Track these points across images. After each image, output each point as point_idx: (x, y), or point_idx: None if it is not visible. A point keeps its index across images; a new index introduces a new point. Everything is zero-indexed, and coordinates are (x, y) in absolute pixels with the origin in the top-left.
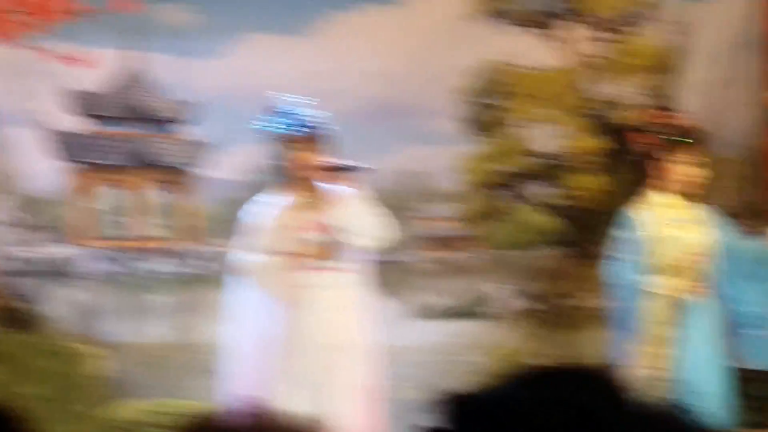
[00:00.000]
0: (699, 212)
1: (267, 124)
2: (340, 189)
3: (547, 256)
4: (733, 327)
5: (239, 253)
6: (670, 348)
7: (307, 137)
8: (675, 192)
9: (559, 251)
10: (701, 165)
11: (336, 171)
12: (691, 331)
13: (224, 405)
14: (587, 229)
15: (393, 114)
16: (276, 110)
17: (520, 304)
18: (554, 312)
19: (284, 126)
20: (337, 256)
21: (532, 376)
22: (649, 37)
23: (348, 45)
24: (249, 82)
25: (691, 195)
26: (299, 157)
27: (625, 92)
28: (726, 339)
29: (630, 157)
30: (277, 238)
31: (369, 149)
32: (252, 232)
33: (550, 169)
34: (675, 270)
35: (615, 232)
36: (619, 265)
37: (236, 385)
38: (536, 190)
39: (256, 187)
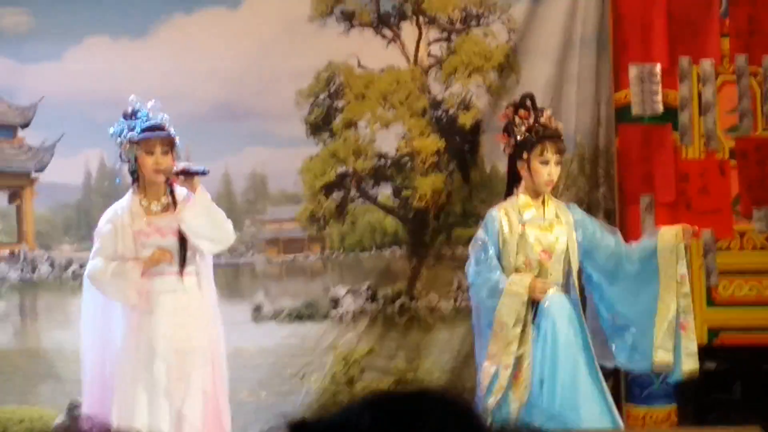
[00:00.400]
0: (559, 211)
1: (120, 128)
2: (186, 193)
3: (392, 256)
4: (599, 326)
5: (90, 259)
6: (525, 348)
7: (160, 141)
8: (536, 191)
9: (404, 252)
10: (559, 163)
11: (183, 174)
12: (548, 330)
13: (76, 416)
14: (433, 230)
15: (235, 116)
16: (129, 114)
17: (366, 305)
18: (399, 313)
19: (138, 130)
20: (184, 260)
21: (375, 401)
22: (490, 37)
23: (189, 47)
24: (90, 85)
25: (550, 193)
26: (153, 162)
27: (468, 92)
28: (590, 338)
29: (474, 156)
30: (127, 242)
31: (211, 152)
32: (103, 237)
33: (393, 170)
34: (530, 269)
35: (477, 233)
36: (478, 265)
37: (87, 395)
38: (380, 191)
39: (101, 192)
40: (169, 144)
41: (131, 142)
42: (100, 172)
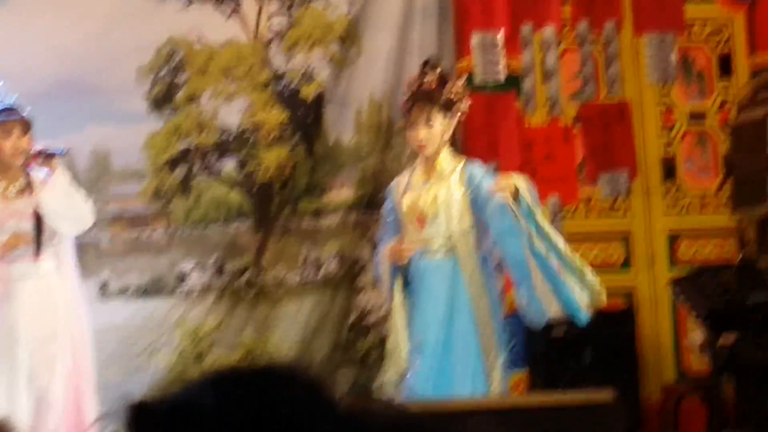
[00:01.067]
0: (449, 172)
1: None
2: (42, 174)
3: (238, 231)
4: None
5: None
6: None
7: (11, 122)
8: (422, 155)
9: (250, 225)
10: (431, 124)
11: (41, 156)
12: (415, 295)
13: None
14: (278, 202)
15: (77, 93)
16: None
17: (211, 280)
18: (247, 287)
19: (1, 111)
20: (42, 243)
21: (219, 379)
22: (330, 9)
23: (29, 24)
24: None
25: (435, 155)
26: (11, 145)
27: (308, 64)
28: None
29: (317, 128)
30: None
31: (53, 129)
32: None
33: (237, 144)
34: (410, 233)
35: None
36: (381, 236)
37: None
38: (224, 165)
39: None
40: (25, 126)
41: None
42: None
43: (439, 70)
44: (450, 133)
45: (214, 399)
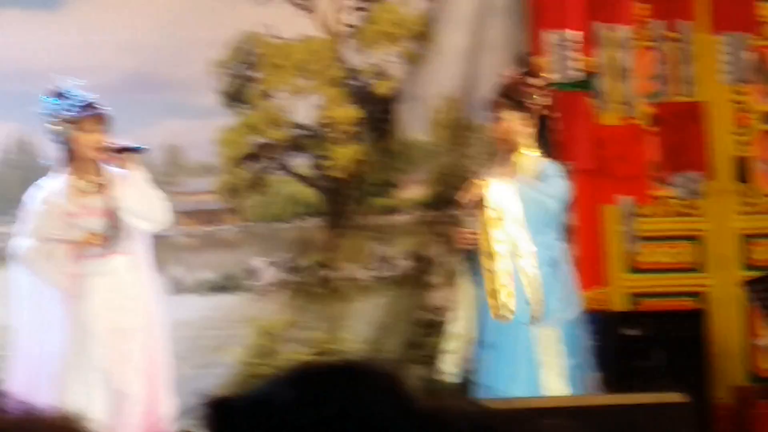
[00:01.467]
0: (524, 170)
1: (51, 106)
2: (121, 171)
3: (309, 227)
4: None
5: (19, 239)
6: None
7: (92, 118)
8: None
9: (323, 222)
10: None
11: (120, 152)
12: None
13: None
14: (351, 200)
15: (150, 88)
16: (58, 93)
17: (283, 276)
18: (319, 284)
19: (69, 108)
20: (120, 240)
21: (298, 375)
22: (405, 6)
23: (101, 18)
24: (3, 59)
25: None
26: (90, 140)
27: (382, 60)
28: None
29: (391, 126)
30: (59, 223)
31: (126, 124)
32: (32, 217)
33: (309, 140)
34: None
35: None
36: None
37: (18, 377)
38: (296, 161)
39: (17, 165)
40: (104, 122)
41: (66, 121)
42: (16, 145)
43: (521, 66)
44: (529, 130)
45: (294, 395)
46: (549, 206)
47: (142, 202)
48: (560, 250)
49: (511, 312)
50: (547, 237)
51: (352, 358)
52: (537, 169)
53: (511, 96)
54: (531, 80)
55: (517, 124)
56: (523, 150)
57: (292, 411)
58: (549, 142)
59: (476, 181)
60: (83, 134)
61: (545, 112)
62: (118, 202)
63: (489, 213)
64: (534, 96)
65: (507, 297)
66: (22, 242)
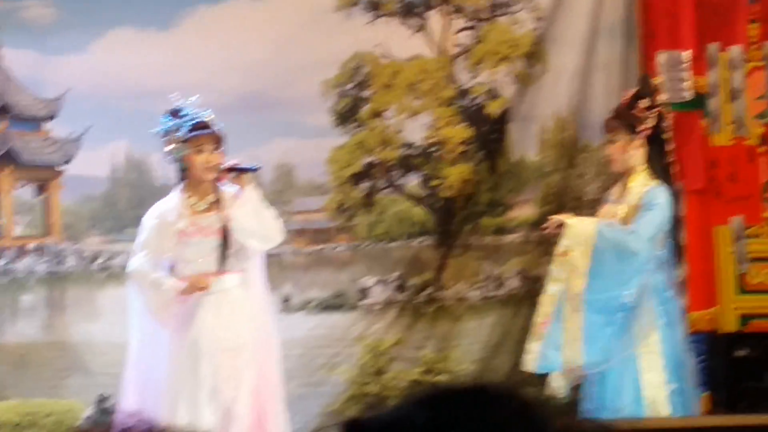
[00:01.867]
0: (635, 193)
1: (167, 127)
2: (235, 190)
3: (418, 246)
4: None
5: (134, 257)
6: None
7: (209, 138)
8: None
9: (432, 241)
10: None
11: (233, 172)
12: None
13: (117, 417)
14: (460, 219)
15: (262, 107)
16: (174, 113)
17: (392, 295)
18: (428, 303)
19: (186, 129)
20: (227, 258)
21: (431, 397)
22: (517, 25)
23: (214, 38)
24: (115, 77)
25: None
26: (203, 160)
27: (493, 80)
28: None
29: (501, 145)
30: (169, 241)
31: (238, 143)
32: (146, 235)
33: (419, 159)
34: None
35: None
36: None
37: (129, 394)
38: (408, 180)
39: (127, 183)
40: (218, 141)
41: (180, 141)
42: (126, 163)
43: (636, 87)
44: (640, 152)
45: (426, 417)
46: (631, 248)
47: (255, 221)
48: (643, 291)
49: (534, 358)
50: (623, 279)
51: (486, 381)
52: (644, 194)
53: (624, 118)
54: (644, 102)
55: (629, 146)
56: (634, 172)
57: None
58: (663, 165)
59: (560, 216)
60: (196, 154)
61: (659, 134)
62: (231, 221)
63: (558, 248)
64: (646, 118)
65: (535, 340)
66: (135, 260)
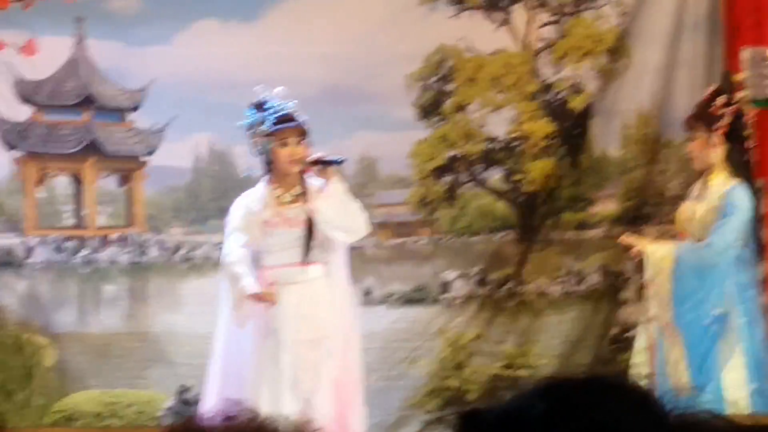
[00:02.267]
0: (715, 192)
1: (252, 120)
2: (321, 183)
3: (500, 241)
4: None
5: (225, 245)
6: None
7: (293, 131)
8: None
9: (514, 236)
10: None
11: (318, 164)
12: None
13: (207, 406)
14: (542, 214)
15: (345, 100)
16: (258, 105)
17: (473, 289)
18: (509, 297)
19: (270, 122)
20: (312, 249)
21: (548, 388)
22: (601, 20)
23: (298, 30)
24: (199, 69)
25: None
26: (288, 153)
27: (576, 75)
28: None
29: (584, 140)
30: (254, 232)
31: (322, 135)
32: (233, 226)
33: (502, 154)
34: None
35: None
36: None
37: (214, 384)
38: (490, 175)
39: (210, 175)
40: (302, 133)
41: (265, 134)
42: (209, 155)
43: (720, 84)
44: (720, 149)
45: (544, 408)
46: (710, 263)
47: (340, 214)
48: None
49: None
50: (709, 295)
51: (602, 373)
52: (724, 194)
53: (702, 115)
54: (725, 99)
55: (708, 144)
56: (715, 170)
57: (544, 424)
58: (743, 162)
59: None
60: (280, 147)
61: (738, 131)
62: (316, 213)
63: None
64: (724, 115)
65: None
66: (225, 248)
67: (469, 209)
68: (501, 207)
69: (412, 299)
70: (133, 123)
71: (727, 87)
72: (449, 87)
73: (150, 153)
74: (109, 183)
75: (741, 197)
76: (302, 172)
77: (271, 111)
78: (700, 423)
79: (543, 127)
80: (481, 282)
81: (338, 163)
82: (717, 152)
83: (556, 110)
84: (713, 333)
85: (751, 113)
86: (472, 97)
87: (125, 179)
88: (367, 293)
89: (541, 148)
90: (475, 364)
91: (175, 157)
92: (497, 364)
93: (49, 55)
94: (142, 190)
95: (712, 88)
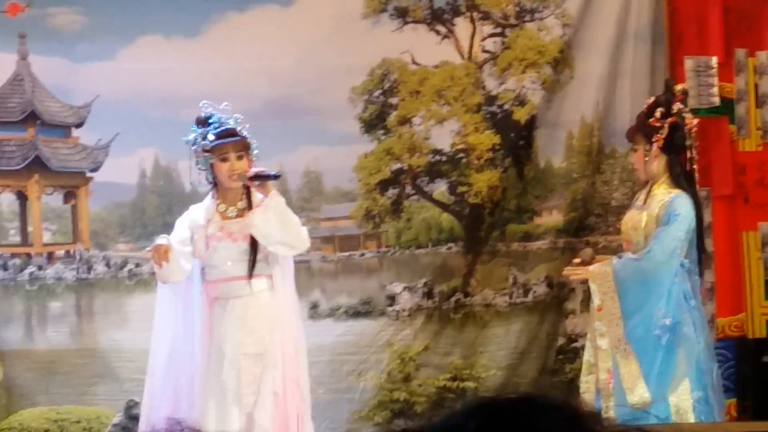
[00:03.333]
0: (658, 201)
1: (194, 137)
2: (260, 197)
3: (448, 253)
4: None
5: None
6: None
7: (233, 146)
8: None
9: (460, 248)
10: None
11: (255, 179)
12: None
13: (146, 423)
14: (488, 226)
15: (289, 114)
16: (201, 121)
17: (420, 301)
18: (455, 309)
19: (210, 138)
20: (254, 265)
21: (479, 408)
22: (544, 32)
23: (242, 45)
24: (144, 85)
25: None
26: (227, 168)
27: (520, 87)
28: None
29: (528, 152)
30: (199, 246)
31: (266, 150)
32: (175, 230)
33: (447, 166)
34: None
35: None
36: None
37: (156, 401)
38: (435, 187)
39: (156, 191)
40: (243, 148)
41: (205, 150)
42: (154, 171)
43: (655, 97)
44: (660, 161)
45: (477, 427)
46: (648, 271)
47: (278, 228)
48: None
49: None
50: (657, 306)
51: (532, 392)
52: (666, 203)
53: (642, 127)
54: (663, 110)
55: (650, 155)
56: (658, 181)
57: None
58: (683, 173)
59: (577, 271)
60: (221, 162)
61: (678, 142)
62: (252, 228)
63: (592, 304)
64: (662, 127)
65: (606, 398)
66: (165, 266)
67: (414, 222)
68: (447, 219)
69: (359, 312)
70: (78, 139)
71: (664, 98)
72: (393, 100)
73: (95, 169)
74: (55, 199)
75: (681, 206)
76: (247, 187)
77: (213, 126)
78: None
79: (487, 138)
80: (428, 294)
81: (275, 177)
82: (657, 163)
83: (501, 122)
84: (664, 343)
85: (691, 123)
86: (417, 110)
87: (70, 196)
88: (313, 306)
89: (486, 160)
90: (422, 376)
91: (121, 173)
92: (444, 376)
93: None
94: (88, 207)
95: (650, 100)
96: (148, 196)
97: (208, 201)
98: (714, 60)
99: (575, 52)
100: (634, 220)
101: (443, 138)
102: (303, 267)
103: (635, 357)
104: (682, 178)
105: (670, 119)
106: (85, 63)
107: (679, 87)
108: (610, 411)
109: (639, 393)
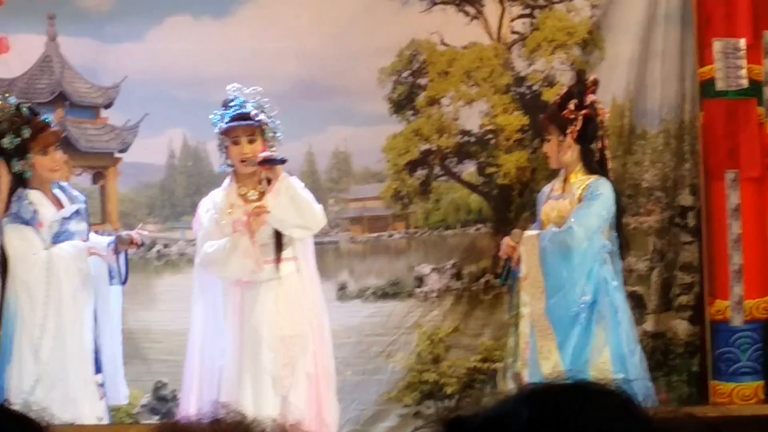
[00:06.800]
0: (576, 188)
1: (216, 119)
2: (277, 180)
3: (477, 234)
4: None
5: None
6: None
7: (243, 130)
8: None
9: (489, 229)
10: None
11: (264, 164)
12: None
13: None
14: (517, 207)
15: (318, 94)
16: (225, 104)
17: (449, 282)
18: (484, 290)
19: (225, 120)
20: (280, 248)
21: (532, 395)
22: (573, 12)
23: (271, 25)
24: (172, 65)
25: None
26: (238, 151)
27: (549, 67)
28: None
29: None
30: (225, 231)
31: (295, 130)
32: (206, 224)
33: (476, 147)
34: None
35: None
36: None
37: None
38: (464, 168)
39: (184, 171)
40: (255, 132)
41: (221, 132)
42: (183, 151)
43: (568, 87)
44: (574, 150)
45: (528, 414)
46: (571, 244)
47: (288, 211)
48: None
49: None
50: (578, 284)
51: (586, 379)
52: (586, 187)
53: (556, 118)
54: (573, 103)
55: (564, 146)
56: (573, 170)
57: (528, 431)
58: (597, 162)
59: (511, 237)
60: (233, 145)
61: (591, 132)
62: (274, 210)
63: (521, 273)
64: (575, 119)
65: (521, 364)
66: (201, 251)
67: (443, 203)
68: (475, 200)
69: (387, 293)
70: (107, 120)
71: (580, 89)
72: (422, 81)
73: (124, 150)
74: (83, 180)
75: (604, 187)
76: (250, 172)
77: (232, 110)
78: (680, 425)
79: (516, 119)
80: (457, 275)
81: (281, 161)
82: (571, 153)
83: (530, 103)
84: (582, 322)
85: (603, 113)
86: (445, 91)
87: (99, 176)
88: (342, 288)
89: (515, 141)
90: (452, 357)
91: (149, 153)
92: (475, 357)
93: (22, 53)
94: (116, 187)
95: (563, 91)
96: (176, 176)
97: (227, 184)
98: (742, 42)
99: (605, 34)
100: (558, 208)
101: (472, 119)
102: (331, 248)
103: (553, 331)
104: (596, 166)
105: (583, 111)
106: (113, 44)
107: (590, 78)
108: (525, 378)
109: (552, 364)
